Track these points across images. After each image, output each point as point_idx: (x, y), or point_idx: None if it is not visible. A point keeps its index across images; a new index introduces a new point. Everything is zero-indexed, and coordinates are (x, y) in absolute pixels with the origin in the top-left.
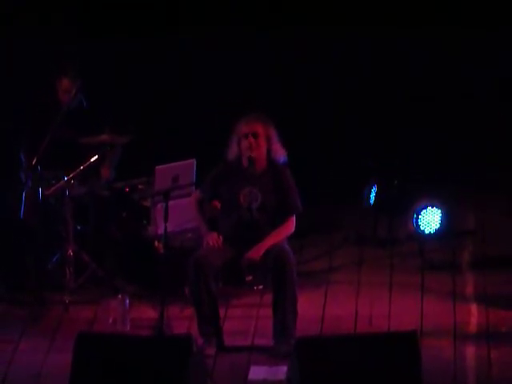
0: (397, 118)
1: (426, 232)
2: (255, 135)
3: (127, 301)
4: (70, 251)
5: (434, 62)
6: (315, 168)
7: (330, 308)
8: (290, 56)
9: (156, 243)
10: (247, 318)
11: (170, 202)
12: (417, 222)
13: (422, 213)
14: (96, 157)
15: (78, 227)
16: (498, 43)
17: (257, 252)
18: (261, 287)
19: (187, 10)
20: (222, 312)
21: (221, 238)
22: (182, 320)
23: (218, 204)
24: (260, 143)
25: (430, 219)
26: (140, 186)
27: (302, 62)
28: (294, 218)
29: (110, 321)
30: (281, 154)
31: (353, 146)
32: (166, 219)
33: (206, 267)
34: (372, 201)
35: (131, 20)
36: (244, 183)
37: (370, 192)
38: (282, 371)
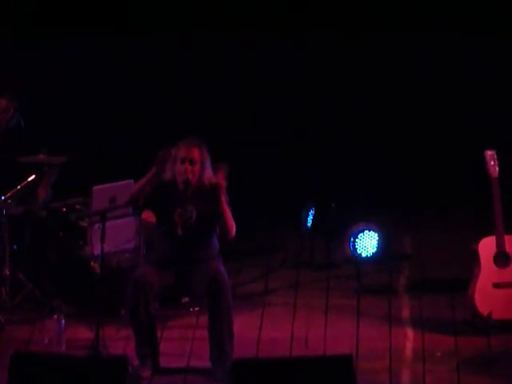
0: (333, 141)
1: (363, 255)
2: (192, 161)
3: (63, 321)
4: (7, 270)
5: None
6: (253, 190)
7: (266, 330)
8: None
9: (92, 263)
10: (183, 340)
11: (107, 223)
12: (353, 246)
13: (358, 236)
14: (33, 176)
15: (15, 246)
16: None
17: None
18: (197, 309)
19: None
20: (158, 333)
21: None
22: (118, 341)
23: (150, 215)
24: (195, 169)
25: (367, 243)
26: (77, 206)
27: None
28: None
29: (46, 341)
30: (212, 179)
31: (291, 168)
32: (102, 239)
33: (146, 287)
34: (309, 224)
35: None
36: (178, 202)
37: (308, 215)
38: None
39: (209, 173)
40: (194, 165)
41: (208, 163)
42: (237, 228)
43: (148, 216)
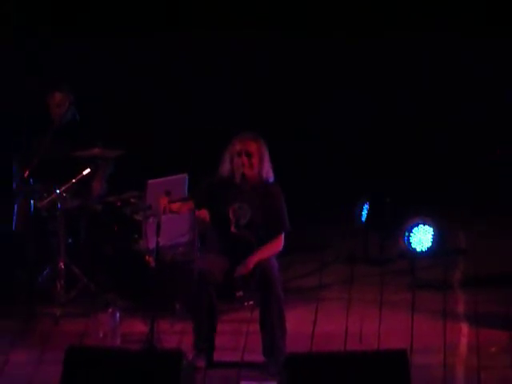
0: (389, 136)
1: (418, 250)
2: (248, 154)
3: (118, 314)
4: (61, 264)
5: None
6: (307, 185)
7: (320, 325)
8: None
9: (147, 257)
10: (237, 334)
11: (162, 216)
12: (408, 240)
13: (413, 231)
14: (88, 170)
15: (70, 240)
16: None
17: (246, 267)
18: (251, 303)
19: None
20: None
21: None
22: (173, 334)
23: (205, 214)
24: (253, 162)
25: (422, 237)
26: (132, 200)
27: (295, 73)
28: (283, 237)
29: (101, 334)
30: (271, 174)
31: (345, 164)
32: (157, 233)
33: (210, 280)
34: (364, 219)
35: (124, 28)
36: (235, 198)
37: (362, 210)
38: None
39: (267, 167)
40: (251, 157)
41: (266, 157)
42: (292, 223)
43: (202, 213)
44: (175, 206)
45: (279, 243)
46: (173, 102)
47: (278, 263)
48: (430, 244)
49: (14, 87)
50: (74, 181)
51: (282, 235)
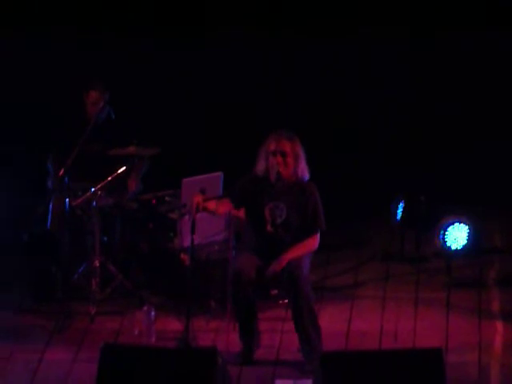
0: (425, 135)
1: (453, 248)
2: (283, 154)
3: (153, 312)
4: (97, 262)
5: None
6: (343, 183)
7: (355, 323)
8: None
9: (182, 255)
10: (272, 332)
11: (197, 215)
12: (444, 239)
13: (449, 229)
14: (124, 168)
15: (105, 238)
16: None
17: (279, 264)
18: (286, 301)
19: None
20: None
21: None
22: (208, 332)
23: (241, 213)
24: (288, 162)
25: (457, 235)
26: (167, 198)
27: (332, 73)
28: (318, 235)
29: (136, 332)
30: (306, 173)
31: (381, 162)
32: (192, 231)
33: (246, 280)
34: (399, 217)
35: (159, 29)
36: (270, 197)
37: (397, 208)
38: None
39: (303, 166)
40: (286, 157)
41: (301, 156)
42: (328, 221)
43: (237, 211)
44: (210, 205)
45: (314, 242)
46: (214, 101)
47: (310, 262)
48: (465, 242)
49: (49, 87)
50: (109, 179)
51: (318, 234)
